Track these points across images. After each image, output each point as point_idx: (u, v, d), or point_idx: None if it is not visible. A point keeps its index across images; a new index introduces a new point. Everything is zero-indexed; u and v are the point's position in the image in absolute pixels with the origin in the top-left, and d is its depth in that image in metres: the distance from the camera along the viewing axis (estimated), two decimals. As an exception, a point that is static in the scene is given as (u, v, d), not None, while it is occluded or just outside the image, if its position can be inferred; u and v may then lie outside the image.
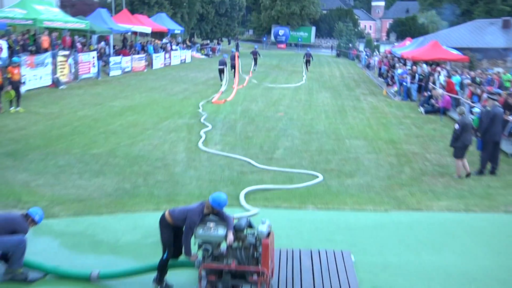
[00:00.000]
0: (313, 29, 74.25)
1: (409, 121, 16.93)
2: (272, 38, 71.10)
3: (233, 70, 26.22)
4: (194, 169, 10.44)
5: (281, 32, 68.24)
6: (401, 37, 72.89)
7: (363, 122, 16.33)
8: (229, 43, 64.03)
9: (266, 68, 34.86)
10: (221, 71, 24.78)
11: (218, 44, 54.99)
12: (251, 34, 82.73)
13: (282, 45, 68.01)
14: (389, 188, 9.52)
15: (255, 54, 33.69)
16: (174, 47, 37.09)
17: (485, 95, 14.57)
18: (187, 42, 44.76)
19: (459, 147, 10.29)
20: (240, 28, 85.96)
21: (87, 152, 11.33)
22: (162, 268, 5.28)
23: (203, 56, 44.91)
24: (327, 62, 45.55)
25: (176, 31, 39.30)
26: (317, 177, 9.94)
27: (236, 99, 20.27)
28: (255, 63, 33.40)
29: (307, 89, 24.74)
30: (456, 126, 10.41)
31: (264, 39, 70.32)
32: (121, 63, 27.26)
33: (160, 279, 5.30)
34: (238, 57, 26.87)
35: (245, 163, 11.00)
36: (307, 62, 34.82)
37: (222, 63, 24.78)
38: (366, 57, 43.11)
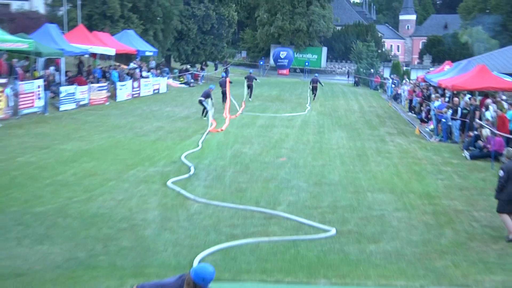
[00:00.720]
0: (324, 50, 76.91)
1: (450, 168, 17.12)
2: (271, 61, 73.83)
3: (224, 98, 30.18)
4: (170, 232, 10.47)
5: (282, 54, 70.91)
6: (437, 60, 74.66)
7: (390, 170, 16.52)
8: (215, 69, 65.16)
9: (263, 101, 35.78)
10: (201, 103, 25.93)
11: (202, 69, 56.00)
12: (244, 57, 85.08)
13: (284, 71, 70.94)
14: (425, 257, 9.57)
15: (250, 80, 35.88)
16: (144, 73, 37.80)
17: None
18: (162, 67, 45.59)
19: (503, 200, 10.46)
20: (230, 49, 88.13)
21: (29, 211, 11.34)
22: None
23: (183, 85, 45.83)
24: (343, 92, 47.21)
25: (147, 53, 40.18)
26: (328, 231, 10.10)
27: (226, 139, 20.64)
28: (250, 92, 36.01)
29: (317, 126, 25.28)
30: (501, 172, 10.60)
31: (261, 63, 72.56)
32: (75, 94, 27.66)
33: None
34: (229, 82, 30.69)
35: (237, 222, 11.06)
36: (314, 88, 38.61)
37: (206, 94, 25.78)
38: (393, 86, 43.96)
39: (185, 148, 18.54)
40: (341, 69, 77.99)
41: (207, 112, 25.31)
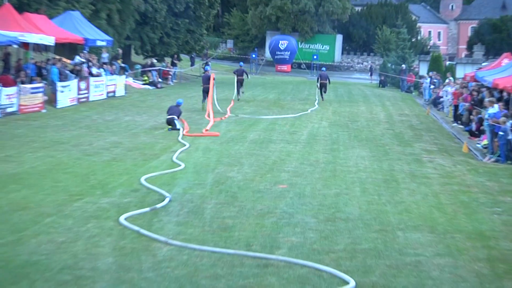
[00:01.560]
0: (339, 39, 77.89)
1: (511, 199, 17.07)
2: (267, 54, 74.81)
3: (205, 97, 33.16)
4: (130, 286, 10.36)
5: (282, 44, 72.36)
6: (492, 51, 74.34)
7: (428, 201, 16.46)
8: (192, 64, 65.18)
9: (256, 107, 36.42)
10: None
11: (173, 65, 55.82)
12: (231, 48, 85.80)
13: (285, 67, 72.57)
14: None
15: (240, 74, 39.34)
16: (95, 70, 37.75)
17: None
18: (119, 62, 45.31)
19: None
20: (211, 38, 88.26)
21: None
22: None
23: (147, 87, 45.84)
24: (364, 95, 48.18)
25: (99, 43, 40.14)
26: (346, 283, 10.22)
27: (206, 158, 20.76)
28: (240, 88, 39.89)
29: (329, 141, 25.49)
30: None
31: (253, 56, 73.02)
32: None
33: None
34: (213, 79, 32.80)
35: (221, 272, 10.98)
36: (323, 86, 41.73)
37: (177, 112, 27.75)
38: (432, 87, 44.05)
39: (152, 170, 18.43)
40: (362, 64, 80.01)
41: (177, 129, 26.58)
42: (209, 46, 76.91)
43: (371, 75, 68.34)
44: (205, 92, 33.18)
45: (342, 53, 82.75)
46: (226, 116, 31.38)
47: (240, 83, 39.41)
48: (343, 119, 32.27)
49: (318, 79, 42.59)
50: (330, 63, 75.37)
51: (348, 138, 26.65)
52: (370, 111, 37.25)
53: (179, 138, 24.49)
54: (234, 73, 40.19)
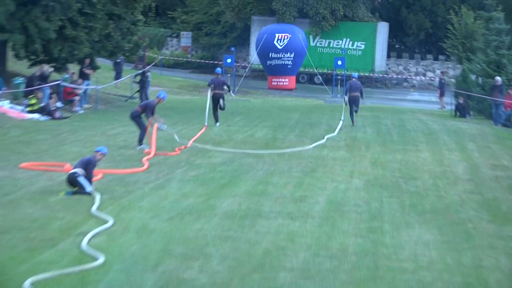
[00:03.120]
0: (382, 29, 54.06)
1: None
2: (254, 58, 52.35)
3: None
4: None
5: (281, 40, 49.19)
6: None
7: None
8: (117, 76, 44.89)
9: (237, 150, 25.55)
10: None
11: (83, 77, 36.15)
12: (187, 47, 61.95)
13: (285, 80, 50.68)
14: None
15: (218, 86, 29.79)
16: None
17: None
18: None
19: None
20: (152, 29, 64.81)
21: None
22: None
23: (35, 116, 30.19)
24: (428, 131, 32.56)
25: None
26: None
27: (143, 248, 13.54)
28: (215, 108, 30.15)
29: (366, 214, 16.97)
30: None
31: (228, 61, 47.38)
32: None
33: None
34: (158, 102, 23.99)
35: None
36: (352, 103, 31.20)
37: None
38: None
39: (43, 269, 11.88)
40: (424, 76, 56.24)
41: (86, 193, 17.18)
42: (146, 43, 49.30)
43: (441, 95, 44.12)
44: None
45: (389, 56, 58.24)
46: (182, 148, 23.67)
47: (217, 101, 29.97)
48: (391, 175, 21.85)
49: (346, 91, 31.41)
50: (366, 74, 53.85)
51: (399, 209, 17.73)
52: (440, 160, 25.12)
53: (94, 209, 15.70)
54: (209, 85, 30.44)
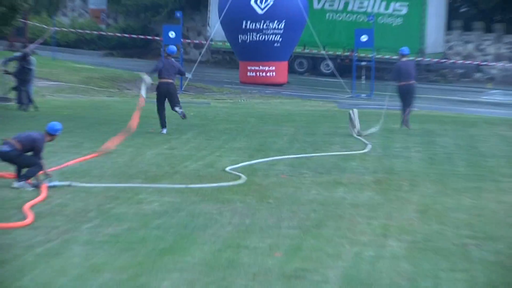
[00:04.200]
0: None
1: None
2: (217, 30, 36.63)
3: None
4: None
5: (261, 0, 35.05)
6: None
7: None
8: None
9: (175, 196, 17.96)
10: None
11: None
12: (99, 12, 45.63)
13: (267, 69, 34.36)
14: None
15: (168, 73, 22.24)
16: None
17: None
18: None
19: None
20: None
21: None
22: None
23: None
24: None
25: None
26: None
27: None
28: (161, 108, 22.42)
29: None
30: None
31: (172, 38, 32.99)
32: None
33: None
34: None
35: None
36: (406, 94, 23.57)
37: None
38: None
39: None
40: (510, 62, 40.13)
41: None
42: (31, 6, 32.23)
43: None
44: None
45: (450, 28, 41.54)
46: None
47: (165, 95, 22.20)
48: (453, 233, 14.28)
49: (396, 76, 23.74)
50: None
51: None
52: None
53: None
54: (154, 71, 22.45)
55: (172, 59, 22.76)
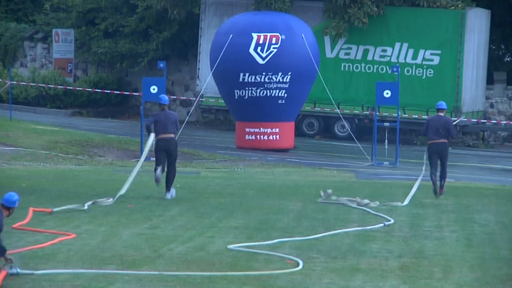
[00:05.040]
0: (479, 21, 33.77)
1: None
2: (203, 85, 33.21)
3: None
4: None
5: (262, 48, 21.83)
6: None
7: None
8: None
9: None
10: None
11: None
12: (54, 64, 40.79)
13: (270, 131, 28.04)
14: None
15: (163, 127, 21.01)
16: None
17: None
18: None
19: None
20: None
21: None
22: None
23: None
24: None
25: None
26: None
27: None
28: (169, 180, 21.02)
29: None
30: None
31: (154, 94, 22.99)
32: None
33: None
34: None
35: None
36: (436, 154, 21.18)
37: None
38: None
39: None
40: None
41: None
42: None
43: None
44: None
45: (491, 81, 37.90)
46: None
47: (167, 153, 20.82)
48: None
49: (425, 131, 21.83)
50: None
51: None
52: None
53: None
54: (148, 127, 21.33)
55: (167, 110, 21.13)
